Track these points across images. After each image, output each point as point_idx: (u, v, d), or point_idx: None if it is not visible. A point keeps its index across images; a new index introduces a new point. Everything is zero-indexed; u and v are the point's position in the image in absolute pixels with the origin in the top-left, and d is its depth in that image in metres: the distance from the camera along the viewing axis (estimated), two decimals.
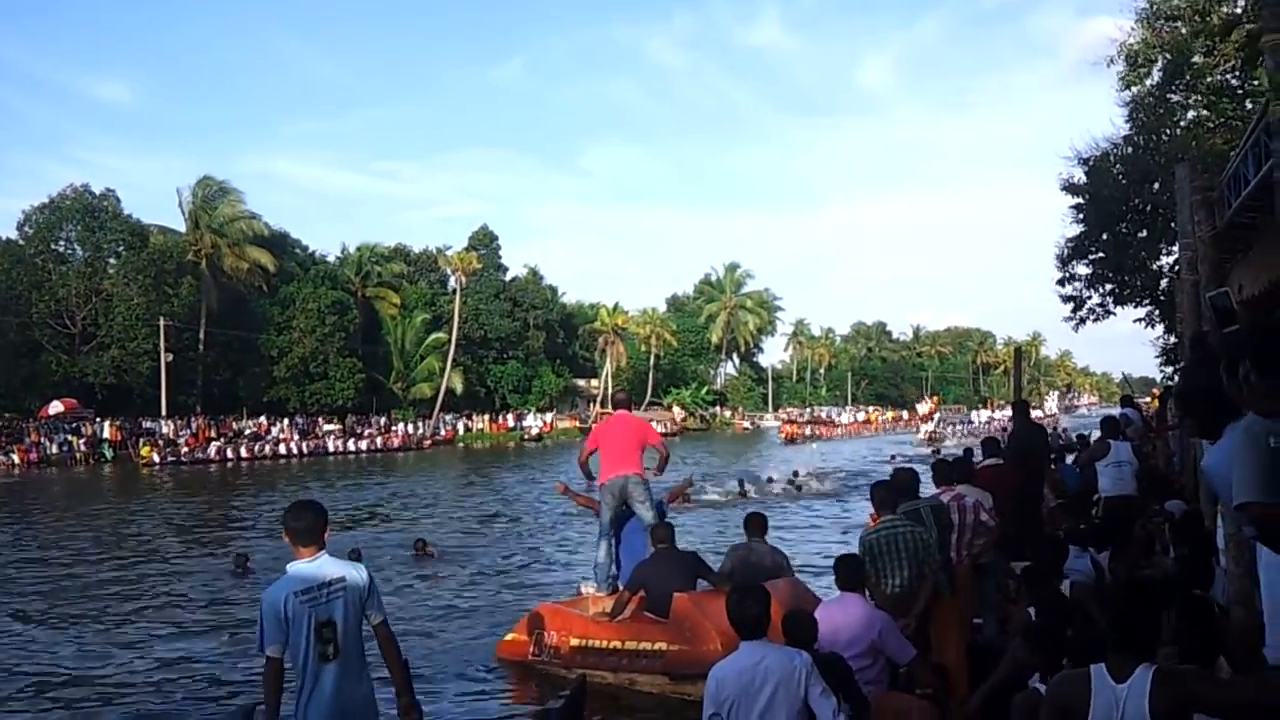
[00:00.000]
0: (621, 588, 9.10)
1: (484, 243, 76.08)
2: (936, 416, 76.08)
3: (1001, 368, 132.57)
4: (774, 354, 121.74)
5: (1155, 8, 19.28)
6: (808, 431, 74.02)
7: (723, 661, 4.59)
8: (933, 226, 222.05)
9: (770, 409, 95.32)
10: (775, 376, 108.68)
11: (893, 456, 37.88)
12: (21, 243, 56.02)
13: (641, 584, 8.54)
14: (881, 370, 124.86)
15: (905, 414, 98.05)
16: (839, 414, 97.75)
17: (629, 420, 9.97)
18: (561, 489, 10.96)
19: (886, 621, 5.80)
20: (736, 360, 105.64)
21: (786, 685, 4.40)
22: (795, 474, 31.81)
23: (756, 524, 8.71)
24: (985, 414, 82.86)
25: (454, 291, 72.66)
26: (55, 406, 49.70)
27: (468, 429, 71.74)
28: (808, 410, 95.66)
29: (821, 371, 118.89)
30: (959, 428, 69.75)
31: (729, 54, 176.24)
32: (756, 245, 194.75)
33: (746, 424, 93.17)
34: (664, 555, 8.56)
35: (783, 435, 68.34)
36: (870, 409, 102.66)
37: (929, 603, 6.60)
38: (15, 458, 46.58)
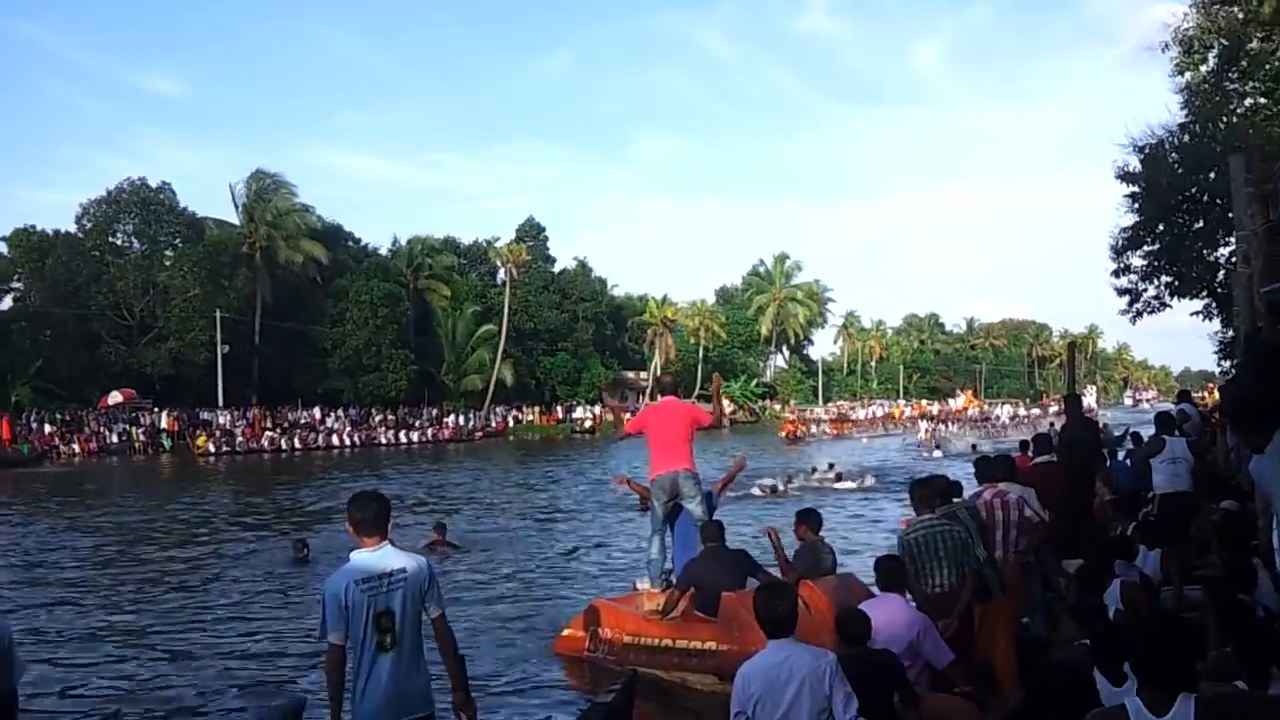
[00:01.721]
0: (670, 584, 9.10)
1: (532, 235, 76.42)
2: (963, 413, 75.01)
3: (1057, 361, 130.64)
4: (824, 346, 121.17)
5: None
6: (813, 430, 69.05)
7: (750, 660, 4.59)
8: (987, 216, 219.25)
9: (820, 402, 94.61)
10: (826, 369, 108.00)
11: (835, 471, 30.89)
12: (80, 236, 57.27)
13: (691, 582, 8.53)
14: (935, 363, 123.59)
15: (945, 407, 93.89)
16: (854, 408, 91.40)
17: (677, 406, 9.82)
18: (623, 481, 10.96)
19: (926, 623, 5.76)
20: (786, 352, 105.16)
21: (811, 684, 4.40)
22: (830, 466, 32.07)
23: (811, 521, 8.66)
24: (1009, 410, 79.04)
25: (504, 284, 73.09)
26: (114, 397, 50.74)
27: (518, 421, 72.15)
28: (858, 404, 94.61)
29: (873, 364, 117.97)
30: (962, 428, 63.52)
31: (777, 42, 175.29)
32: (806, 236, 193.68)
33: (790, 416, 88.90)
34: (714, 554, 8.52)
35: (784, 433, 61.06)
36: (898, 403, 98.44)
37: (974, 602, 6.54)
38: (76, 447, 47.62)
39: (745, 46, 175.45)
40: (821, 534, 8.73)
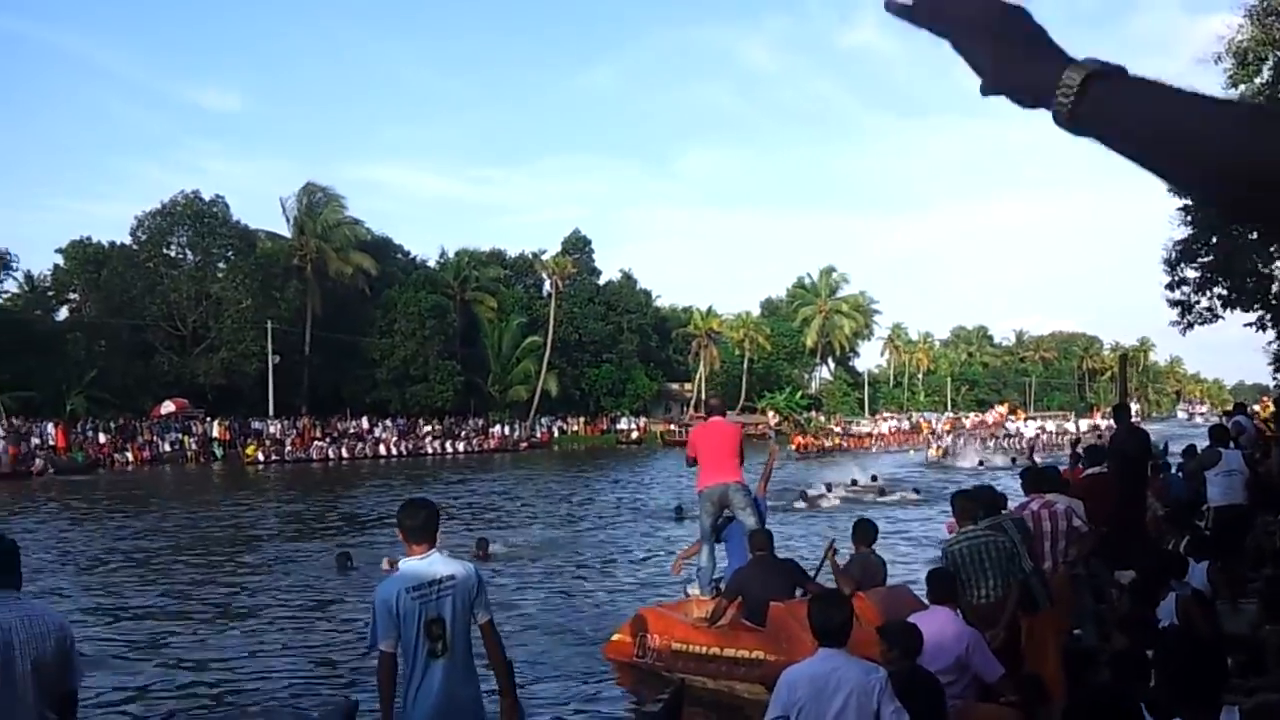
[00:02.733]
0: (719, 593, 9.13)
1: (577, 247, 76.71)
2: (1000, 421, 72.84)
3: (1108, 374, 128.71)
4: (870, 358, 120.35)
5: (1266, 4, 18.60)
6: (827, 444, 65.12)
7: (796, 665, 4.57)
8: (1036, 229, 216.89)
9: (866, 414, 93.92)
10: (872, 381, 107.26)
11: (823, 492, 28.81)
12: (135, 248, 58.24)
13: (739, 591, 8.55)
14: (983, 376, 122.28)
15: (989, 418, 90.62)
16: (873, 423, 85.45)
17: (724, 425, 10.01)
18: (676, 569, 10.95)
19: (975, 638, 5.73)
20: (832, 364, 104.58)
21: (860, 698, 4.36)
22: (874, 478, 32.13)
23: (866, 533, 8.63)
24: (1034, 426, 74.10)
25: (549, 295, 73.45)
26: (167, 406, 51.56)
27: (563, 431, 72.35)
28: (906, 415, 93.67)
29: (920, 377, 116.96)
30: (983, 443, 59.61)
31: (824, 55, 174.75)
32: (853, 248, 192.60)
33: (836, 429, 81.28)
34: (762, 563, 8.54)
35: (792, 446, 57.70)
36: (924, 415, 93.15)
37: (1021, 613, 6.49)
38: (130, 455, 48.44)
39: (792, 60, 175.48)
40: (871, 546, 8.71)
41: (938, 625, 5.71)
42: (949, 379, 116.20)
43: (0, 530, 4.40)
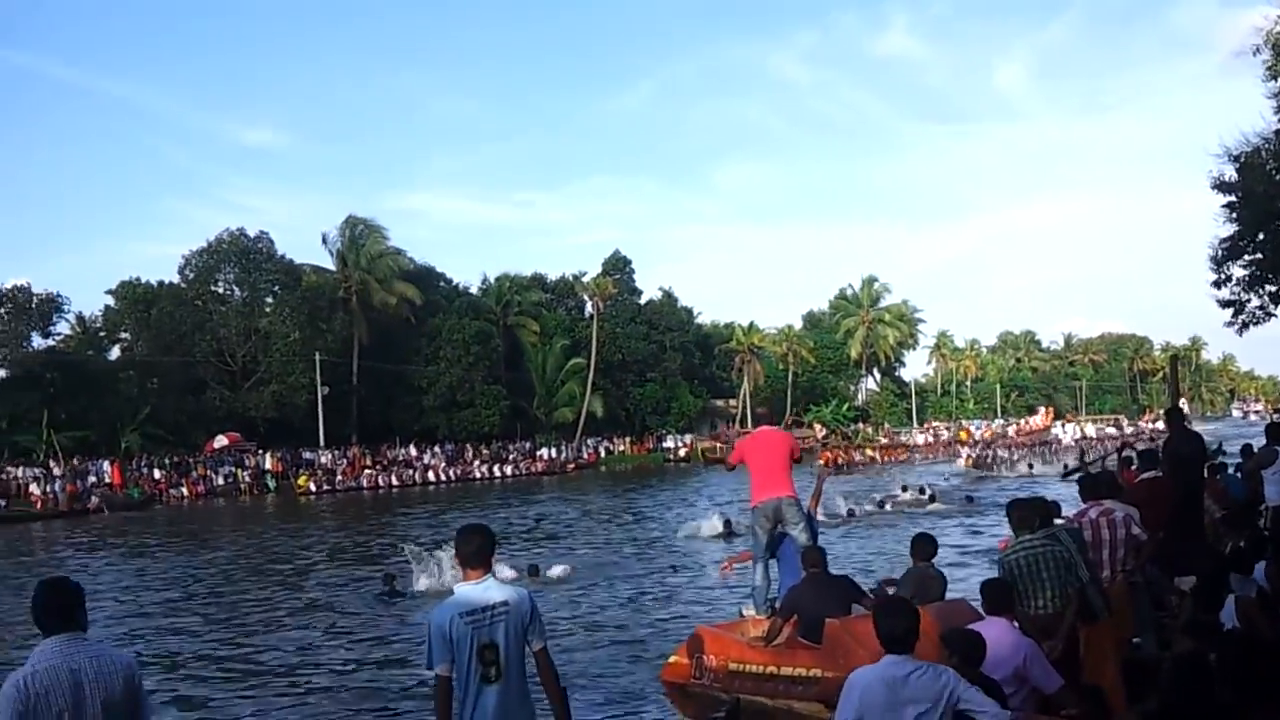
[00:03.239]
0: (774, 611, 9.10)
1: (617, 268, 76.97)
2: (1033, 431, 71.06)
3: (1159, 374, 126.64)
4: (917, 367, 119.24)
5: None
6: (857, 457, 61.99)
7: (865, 668, 4.56)
8: (1079, 231, 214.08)
9: (915, 424, 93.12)
10: (919, 390, 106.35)
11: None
12: (183, 286, 59.32)
13: (793, 609, 8.51)
14: (1032, 381, 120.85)
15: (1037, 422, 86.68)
16: (909, 434, 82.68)
17: (774, 435, 9.89)
18: (729, 567, 11.02)
19: (1032, 648, 5.68)
20: (877, 375, 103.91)
21: (933, 702, 4.36)
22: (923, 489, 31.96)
23: (924, 547, 8.56)
24: (1072, 428, 72.33)
25: (591, 317, 73.77)
26: (220, 440, 52.29)
27: (609, 451, 72.45)
28: (956, 424, 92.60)
29: (968, 384, 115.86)
30: (1018, 451, 57.59)
31: (856, 65, 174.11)
32: (894, 258, 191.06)
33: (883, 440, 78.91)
34: (816, 580, 8.48)
35: (820, 461, 53.91)
36: (965, 423, 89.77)
37: (1079, 623, 6.42)
38: (184, 490, 49.16)
39: (824, 71, 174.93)
40: (932, 560, 8.62)
41: (994, 636, 5.66)
42: (998, 386, 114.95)
43: (63, 573, 4.53)
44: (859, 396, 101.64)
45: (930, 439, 79.16)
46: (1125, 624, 7.45)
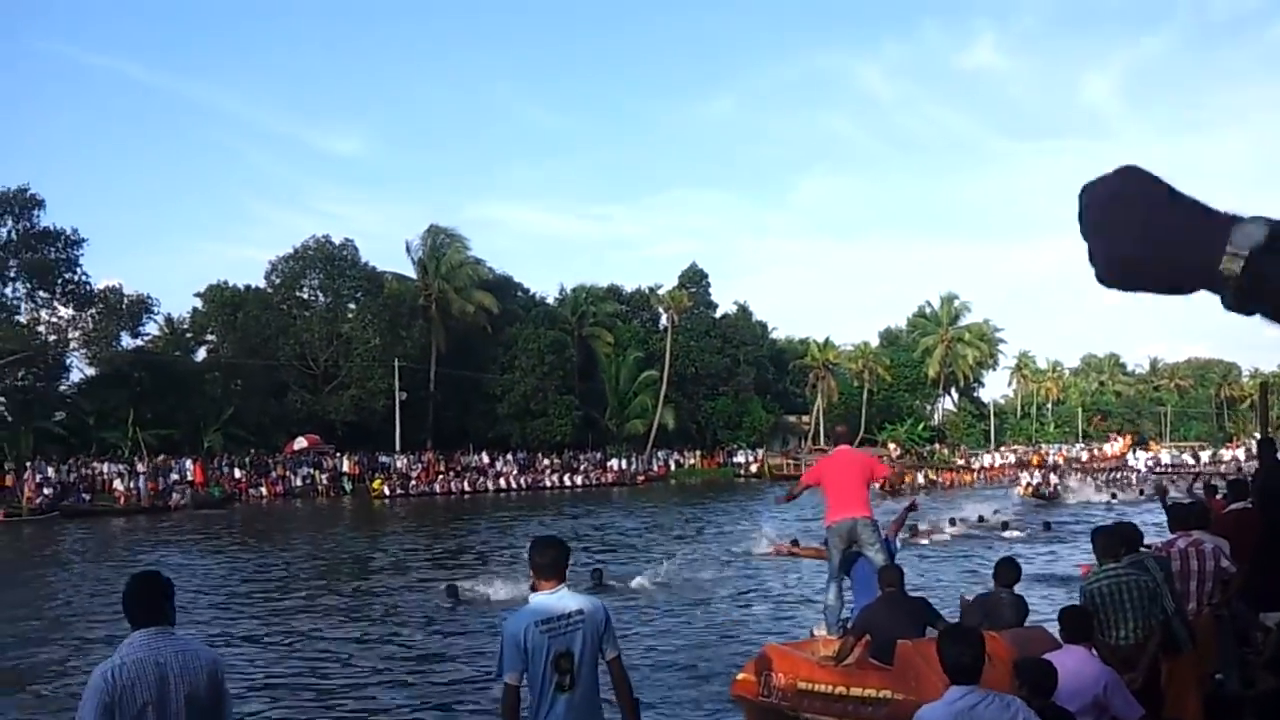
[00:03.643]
0: (846, 631, 8.99)
1: (694, 281, 76.99)
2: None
3: (1247, 401, 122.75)
4: (996, 388, 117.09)
5: None
6: (920, 479, 56.40)
7: (932, 705, 4.47)
8: None
9: (992, 446, 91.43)
10: (998, 412, 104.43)
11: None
12: (269, 290, 60.78)
13: (865, 629, 8.39)
14: (1116, 405, 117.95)
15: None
16: (978, 455, 78.65)
17: (852, 455, 9.78)
18: (787, 549, 10.95)
19: (1113, 677, 5.53)
20: (955, 395, 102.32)
21: None
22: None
23: (1006, 573, 8.38)
24: (1146, 456, 67.91)
25: (665, 330, 73.86)
26: (300, 442, 53.34)
27: (679, 464, 72.36)
28: (1031, 448, 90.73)
29: (1049, 407, 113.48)
30: (1084, 479, 53.42)
31: (942, 79, 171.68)
32: (975, 276, 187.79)
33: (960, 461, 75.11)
34: (891, 600, 8.35)
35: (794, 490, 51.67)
36: (1052, 448, 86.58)
37: (1163, 656, 6.24)
38: (264, 490, 50.21)
39: (908, 85, 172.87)
40: (1012, 587, 8.43)
41: (1074, 665, 5.54)
42: (1080, 409, 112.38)
43: (146, 568, 4.63)
44: (935, 416, 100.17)
45: (994, 462, 72.94)
46: (1209, 658, 7.22)
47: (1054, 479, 49.62)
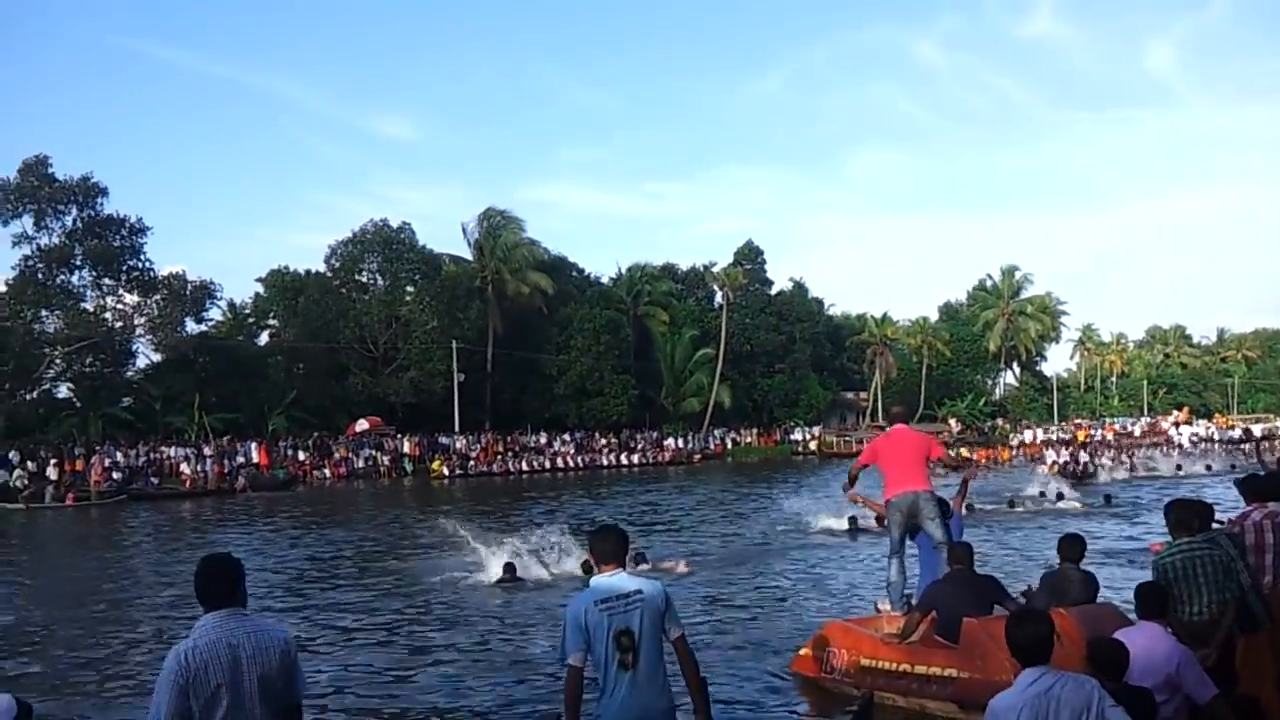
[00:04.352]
0: (910, 607, 8.92)
1: (749, 258, 76.65)
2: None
3: None
4: (1059, 362, 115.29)
5: None
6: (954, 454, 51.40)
7: (1004, 693, 4.36)
8: (1233, 221, 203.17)
9: (1055, 420, 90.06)
10: (1061, 386, 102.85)
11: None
12: (329, 274, 61.57)
13: (931, 605, 8.31)
14: (1182, 378, 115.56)
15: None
16: (1016, 432, 74.47)
17: (909, 434, 9.74)
18: (856, 497, 10.98)
19: (1186, 655, 5.41)
20: (1017, 369, 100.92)
21: (1082, 714, 4.18)
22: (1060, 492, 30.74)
23: (1070, 548, 8.24)
24: (1188, 430, 62.77)
25: (721, 307, 73.70)
26: (361, 424, 54.04)
27: (736, 443, 72.25)
28: (1095, 422, 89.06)
29: (1113, 380, 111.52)
30: (1121, 455, 49.65)
31: (999, 49, 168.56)
32: (1036, 248, 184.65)
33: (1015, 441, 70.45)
34: (959, 577, 8.25)
35: (855, 469, 48.03)
36: (1117, 421, 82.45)
37: (1238, 632, 6.09)
38: (327, 472, 50.99)
39: (964, 56, 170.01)
40: (1078, 563, 8.28)
41: (1147, 642, 5.42)
42: (1145, 382, 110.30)
43: (217, 550, 4.69)
44: (997, 392, 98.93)
45: (1036, 438, 68.52)
46: None
47: (1083, 456, 46.35)
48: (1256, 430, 65.75)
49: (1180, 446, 55.45)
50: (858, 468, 10.02)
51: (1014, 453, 62.89)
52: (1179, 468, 45.60)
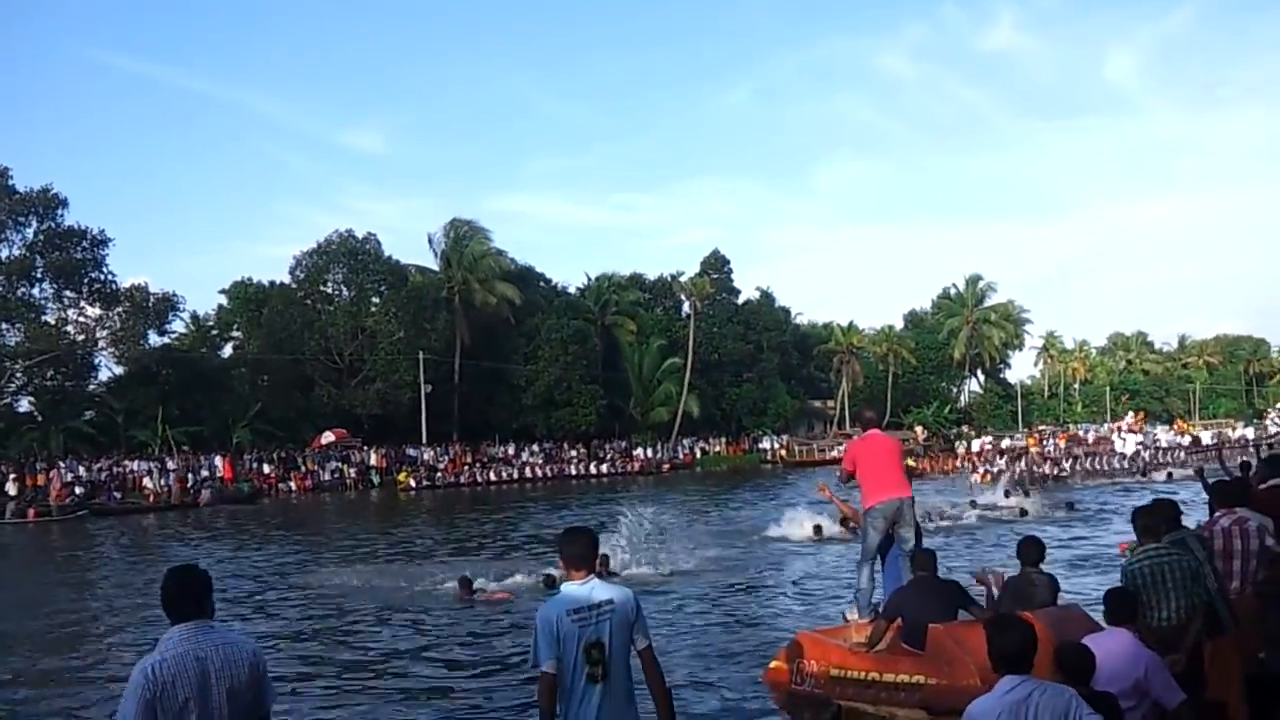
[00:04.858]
0: (878, 615, 8.90)
1: (716, 267, 76.82)
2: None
3: (1277, 378, 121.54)
4: (1023, 369, 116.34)
5: None
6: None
7: (983, 698, 4.36)
8: (1195, 228, 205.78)
9: (1020, 427, 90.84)
10: (1025, 393, 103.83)
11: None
12: (294, 286, 61.06)
13: (897, 612, 8.30)
14: (1144, 384, 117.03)
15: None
16: (961, 440, 70.92)
17: (885, 438, 9.67)
18: (826, 490, 10.93)
19: (1154, 660, 5.43)
20: (981, 376, 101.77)
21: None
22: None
23: (1030, 550, 8.27)
24: (1134, 441, 56.32)
25: (688, 317, 73.81)
26: (327, 436, 53.63)
27: (705, 452, 72.33)
28: (1057, 428, 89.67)
29: (1076, 387, 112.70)
30: (1063, 466, 46.47)
31: (962, 60, 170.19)
32: (999, 257, 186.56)
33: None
34: (924, 583, 8.23)
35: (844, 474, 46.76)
36: (1081, 427, 77.91)
37: (1206, 638, 6.13)
38: (293, 485, 50.53)
39: (929, 66, 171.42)
40: (1039, 565, 8.33)
41: (1115, 647, 5.43)
42: (1108, 388, 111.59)
43: (180, 562, 4.60)
44: (962, 399, 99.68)
45: (981, 446, 61.83)
46: (1253, 639, 7.09)
47: (1019, 466, 43.40)
48: (1206, 437, 65.04)
49: (1124, 455, 51.19)
50: (845, 476, 9.90)
51: (959, 461, 58.82)
52: (1110, 474, 43.90)
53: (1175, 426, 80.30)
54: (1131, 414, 74.81)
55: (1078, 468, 45.75)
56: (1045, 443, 62.24)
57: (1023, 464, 44.75)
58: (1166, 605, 6.09)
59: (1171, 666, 5.66)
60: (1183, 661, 5.92)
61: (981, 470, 43.28)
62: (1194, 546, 6.45)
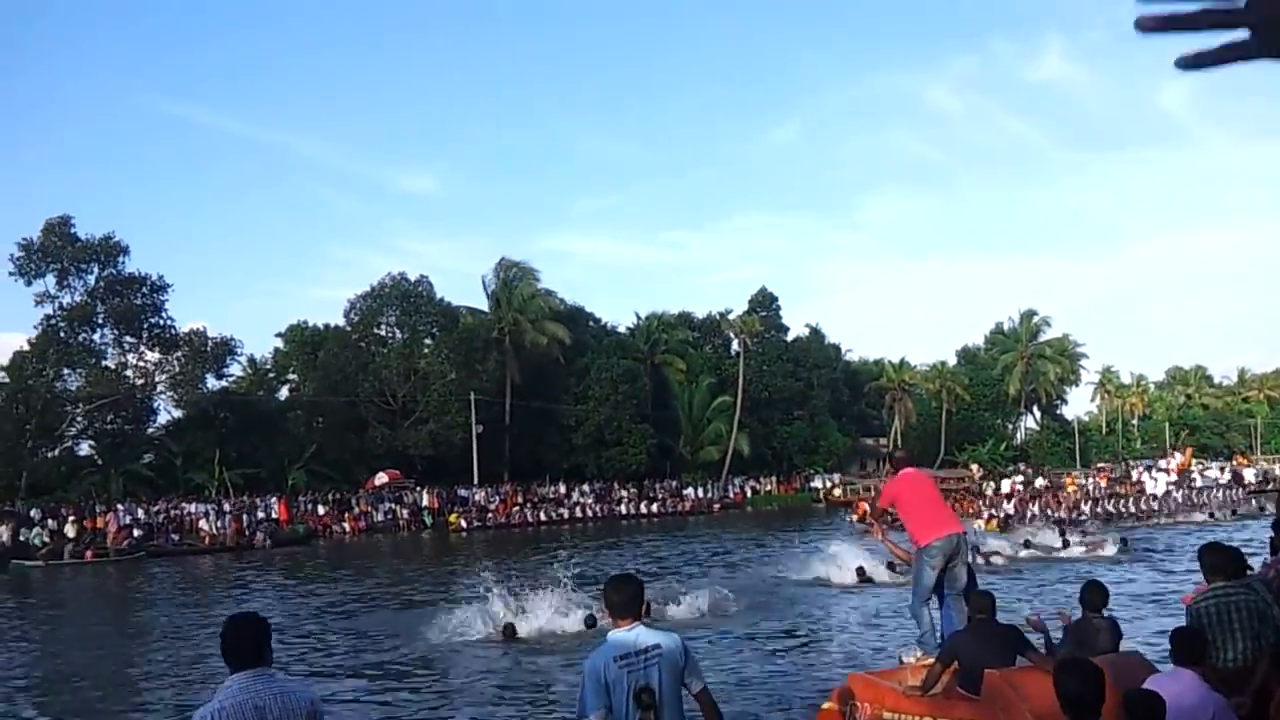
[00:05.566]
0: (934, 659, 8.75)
1: (764, 305, 76.66)
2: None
3: None
4: (1080, 405, 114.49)
5: None
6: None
7: None
8: (1252, 259, 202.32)
9: (1078, 464, 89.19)
10: (1082, 429, 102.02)
11: None
12: (348, 328, 61.88)
13: (953, 656, 8.14)
14: (1204, 419, 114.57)
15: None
16: (993, 482, 63.99)
17: (922, 475, 9.55)
18: (870, 523, 10.76)
19: (1221, 704, 5.28)
20: (1038, 413, 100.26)
21: None
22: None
23: (1094, 596, 8.09)
24: (1164, 481, 53.01)
25: (737, 355, 73.63)
26: (381, 478, 53.96)
27: (755, 491, 71.80)
28: (1120, 464, 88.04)
29: (1134, 423, 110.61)
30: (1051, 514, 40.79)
31: (1011, 92, 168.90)
32: (1053, 291, 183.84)
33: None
34: (981, 627, 8.06)
35: (855, 517, 44.11)
36: (1140, 463, 75.75)
37: (1273, 679, 5.95)
38: (346, 526, 50.88)
39: (977, 100, 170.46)
40: (1102, 611, 8.15)
41: (1182, 689, 5.29)
42: (1167, 423, 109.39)
43: (244, 609, 4.65)
44: (1018, 436, 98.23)
45: (1011, 487, 56.63)
46: None
47: (1032, 509, 41.66)
48: (1249, 474, 62.52)
49: (1154, 496, 47.78)
50: (880, 512, 9.79)
51: (986, 502, 49.05)
52: (1145, 516, 41.85)
53: (1235, 461, 78.26)
54: (1179, 453, 71.83)
55: (1098, 510, 42.71)
56: (1085, 481, 60.13)
57: (1035, 508, 42.23)
58: (1233, 645, 5.94)
59: (1238, 709, 5.51)
60: (1248, 705, 5.75)
61: (986, 515, 40.28)
62: (1259, 589, 6.28)
